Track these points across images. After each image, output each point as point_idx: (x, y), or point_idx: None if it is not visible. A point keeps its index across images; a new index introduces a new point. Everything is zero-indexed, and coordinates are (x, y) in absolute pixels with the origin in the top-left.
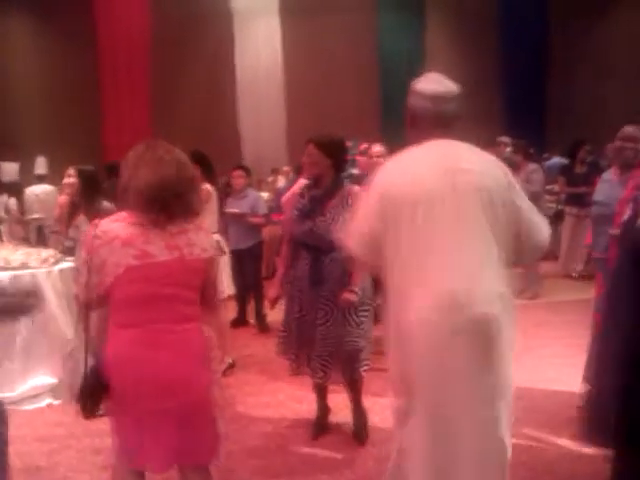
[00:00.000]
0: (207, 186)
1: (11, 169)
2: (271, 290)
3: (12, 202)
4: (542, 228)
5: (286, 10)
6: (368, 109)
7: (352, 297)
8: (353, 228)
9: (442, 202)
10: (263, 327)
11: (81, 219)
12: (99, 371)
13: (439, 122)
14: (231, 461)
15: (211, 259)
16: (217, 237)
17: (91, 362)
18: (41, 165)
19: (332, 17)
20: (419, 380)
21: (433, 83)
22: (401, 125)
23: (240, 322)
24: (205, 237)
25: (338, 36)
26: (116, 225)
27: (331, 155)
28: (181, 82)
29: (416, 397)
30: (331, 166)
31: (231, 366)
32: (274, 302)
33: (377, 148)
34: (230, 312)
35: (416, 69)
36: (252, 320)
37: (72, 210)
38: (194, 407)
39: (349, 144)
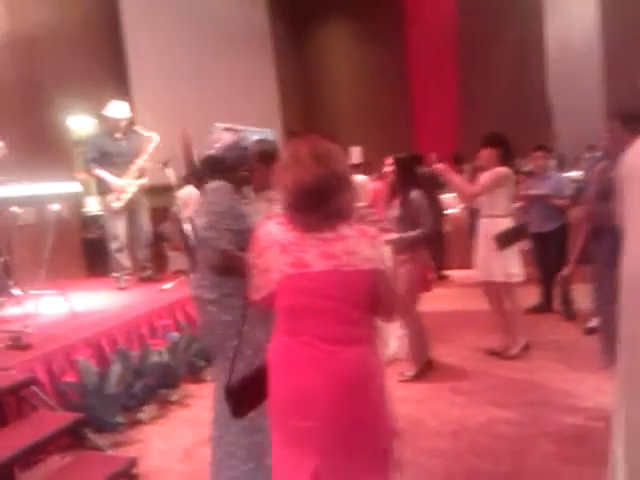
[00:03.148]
0: (503, 169)
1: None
2: (565, 272)
3: None
4: None
5: None
6: None
7: None
8: None
9: None
10: (569, 314)
11: (396, 203)
12: (254, 373)
13: None
14: (524, 443)
15: (377, 271)
16: (508, 222)
17: (243, 364)
18: (356, 154)
19: None
20: None
21: None
22: None
23: (544, 307)
24: (370, 245)
25: None
26: (276, 229)
27: (633, 130)
28: (487, 68)
29: None
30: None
31: (526, 347)
32: (568, 283)
33: None
34: (533, 297)
35: None
36: (557, 306)
37: (390, 194)
38: (336, 438)
39: None
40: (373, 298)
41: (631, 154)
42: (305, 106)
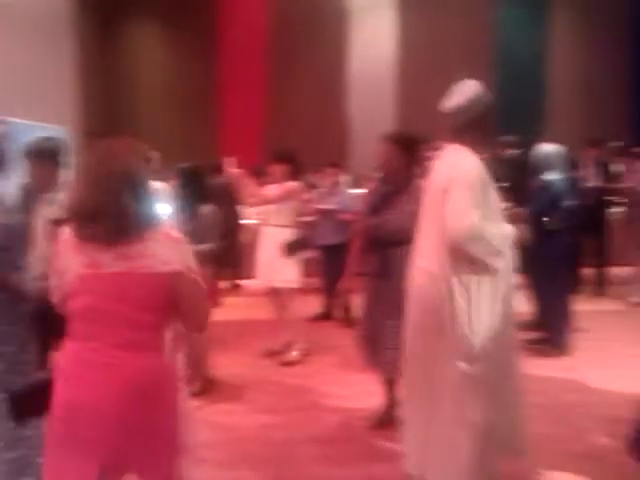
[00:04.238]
0: (293, 183)
1: None
2: (343, 283)
3: None
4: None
5: (402, 5)
6: None
7: None
8: None
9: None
10: (349, 321)
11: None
12: (41, 380)
13: (449, 132)
14: (292, 447)
15: (176, 274)
16: (293, 232)
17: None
18: (154, 160)
19: (449, 13)
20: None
21: (448, 98)
22: (519, 120)
23: (326, 316)
24: (171, 248)
25: (456, 33)
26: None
27: (406, 152)
28: (295, 82)
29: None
30: (405, 163)
31: (306, 353)
32: (345, 294)
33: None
34: (317, 306)
35: (537, 66)
36: (337, 314)
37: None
38: (120, 448)
39: None
40: (172, 302)
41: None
42: (110, 107)
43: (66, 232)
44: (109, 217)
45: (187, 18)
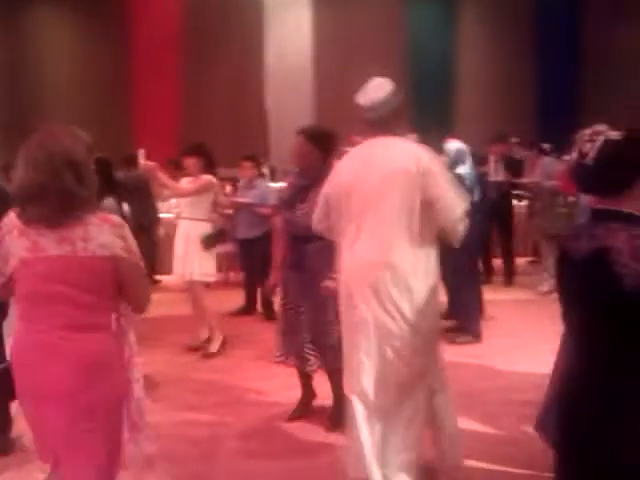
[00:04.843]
0: (207, 176)
1: None
2: (270, 278)
3: None
4: (456, 206)
5: (317, 0)
6: None
7: (333, 284)
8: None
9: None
10: (270, 315)
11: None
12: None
13: (371, 126)
14: (214, 443)
15: (116, 257)
16: (209, 226)
17: None
18: None
19: (363, 9)
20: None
21: (363, 94)
22: (431, 116)
23: (248, 310)
24: (110, 232)
25: (369, 29)
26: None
27: (320, 147)
28: (210, 74)
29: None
30: (320, 157)
31: (224, 344)
32: (272, 290)
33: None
34: (238, 300)
35: (447, 63)
36: (259, 308)
37: None
38: (74, 428)
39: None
40: (115, 285)
41: (339, 170)
42: (14, 98)
43: (10, 217)
44: (51, 196)
45: (98, 8)
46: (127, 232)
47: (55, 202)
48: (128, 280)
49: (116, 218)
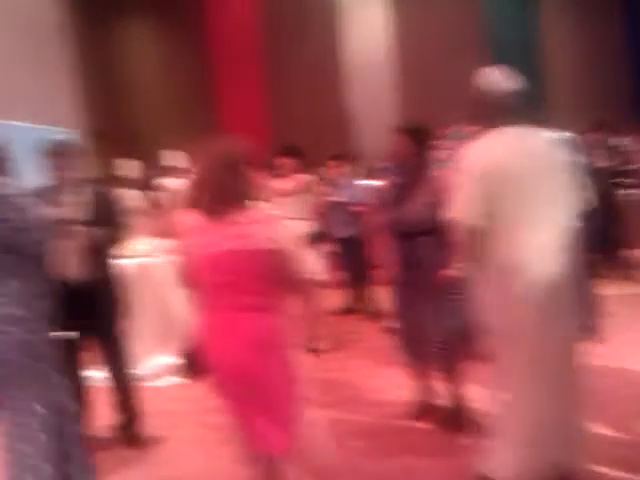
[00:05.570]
0: (305, 176)
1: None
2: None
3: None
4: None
5: None
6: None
7: (450, 273)
8: (460, 204)
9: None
10: (373, 313)
11: None
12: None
13: (508, 112)
14: (335, 442)
15: (272, 250)
16: (306, 225)
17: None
18: (179, 159)
19: (437, 2)
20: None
21: (496, 82)
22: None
23: (351, 309)
24: (263, 228)
25: (444, 22)
26: (189, 217)
27: (417, 142)
28: (292, 74)
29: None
30: (417, 153)
31: (335, 345)
32: (373, 284)
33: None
34: (340, 299)
35: (531, 52)
36: (363, 307)
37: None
38: (255, 393)
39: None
40: (275, 273)
41: (478, 157)
42: (110, 105)
43: (186, 218)
44: (228, 197)
45: (177, 12)
46: (282, 227)
47: (228, 201)
48: (282, 268)
49: (266, 217)
